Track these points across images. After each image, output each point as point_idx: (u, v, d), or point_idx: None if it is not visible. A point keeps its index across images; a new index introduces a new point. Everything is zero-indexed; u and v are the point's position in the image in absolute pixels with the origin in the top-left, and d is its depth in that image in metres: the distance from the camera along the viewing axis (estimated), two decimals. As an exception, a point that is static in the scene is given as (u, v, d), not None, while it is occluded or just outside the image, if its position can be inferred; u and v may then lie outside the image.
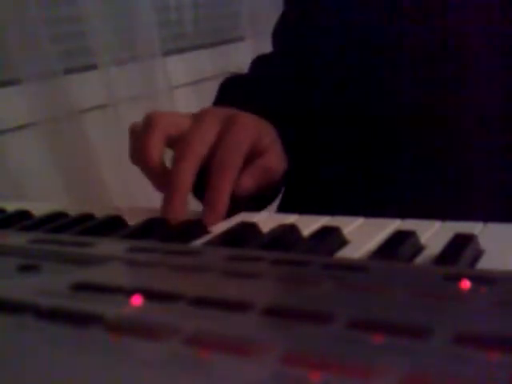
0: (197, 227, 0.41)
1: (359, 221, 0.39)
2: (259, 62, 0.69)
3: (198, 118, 0.48)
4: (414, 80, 0.53)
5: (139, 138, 0.47)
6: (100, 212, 0.47)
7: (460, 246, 0.30)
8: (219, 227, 0.42)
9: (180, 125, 0.47)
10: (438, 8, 0.52)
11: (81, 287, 0.27)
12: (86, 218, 0.47)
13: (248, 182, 0.47)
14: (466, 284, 0.23)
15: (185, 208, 0.44)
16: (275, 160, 0.52)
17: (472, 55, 0.51)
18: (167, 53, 1.33)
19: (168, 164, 0.47)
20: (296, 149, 0.56)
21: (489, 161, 0.53)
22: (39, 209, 0.50)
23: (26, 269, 0.31)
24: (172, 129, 0.47)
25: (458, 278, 0.24)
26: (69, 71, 1.13)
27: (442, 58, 0.52)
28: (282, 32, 0.67)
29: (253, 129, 0.48)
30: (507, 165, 0.52)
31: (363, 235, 0.36)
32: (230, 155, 0.45)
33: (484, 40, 0.51)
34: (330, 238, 0.35)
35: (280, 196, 0.64)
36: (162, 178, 0.46)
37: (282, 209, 0.64)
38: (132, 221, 0.44)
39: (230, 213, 0.45)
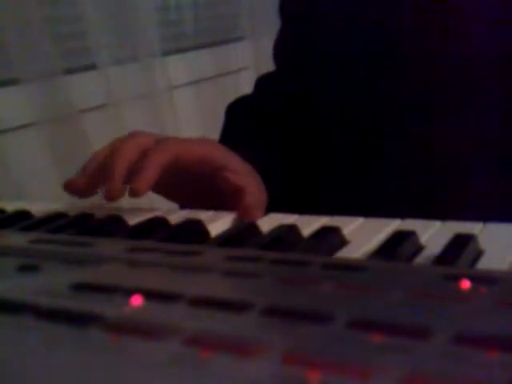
0: (197, 227, 0.41)
1: (359, 221, 0.39)
2: (262, 84, 0.71)
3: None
4: (415, 90, 0.53)
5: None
6: (100, 212, 0.47)
7: (460, 246, 0.30)
8: (219, 227, 0.42)
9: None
10: (439, 31, 0.52)
11: (81, 287, 0.27)
12: (86, 217, 0.47)
13: None
14: (466, 284, 0.23)
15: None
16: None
17: (472, 81, 0.51)
18: (167, 53, 1.33)
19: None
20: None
21: (488, 166, 0.53)
22: (39, 209, 0.50)
23: (26, 269, 0.31)
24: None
25: (457, 277, 0.24)
26: (69, 71, 1.13)
27: (441, 83, 0.52)
28: (281, 49, 0.67)
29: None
30: (507, 170, 0.52)
31: (363, 235, 0.36)
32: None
33: (484, 64, 0.51)
34: (330, 238, 0.35)
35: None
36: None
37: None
38: (132, 221, 0.44)
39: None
